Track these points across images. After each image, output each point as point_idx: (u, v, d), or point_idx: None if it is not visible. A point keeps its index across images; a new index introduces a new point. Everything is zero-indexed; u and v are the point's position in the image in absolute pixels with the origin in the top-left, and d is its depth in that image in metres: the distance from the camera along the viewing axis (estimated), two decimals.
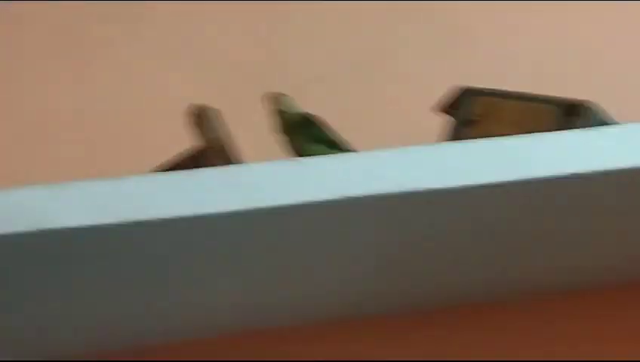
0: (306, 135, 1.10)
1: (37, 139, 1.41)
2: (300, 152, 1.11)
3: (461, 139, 1.14)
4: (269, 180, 0.97)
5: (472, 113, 1.14)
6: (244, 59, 1.47)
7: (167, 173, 0.99)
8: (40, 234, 0.93)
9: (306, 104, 1.18)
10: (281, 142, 1.14)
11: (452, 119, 1.16)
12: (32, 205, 0.94)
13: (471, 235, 1.11)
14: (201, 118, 1.09)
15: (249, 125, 1.35)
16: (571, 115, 1.11)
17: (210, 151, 1.08)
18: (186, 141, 1.14)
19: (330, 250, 1.09)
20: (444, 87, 1.23)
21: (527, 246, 1.15)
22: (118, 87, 1.45)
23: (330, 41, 1.49)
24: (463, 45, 1.49)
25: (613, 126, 0.98)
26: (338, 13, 1.51)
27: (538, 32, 1.50)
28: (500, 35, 1.51)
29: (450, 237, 1.11)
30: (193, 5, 1.50)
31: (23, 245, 0.95)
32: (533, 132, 1.11)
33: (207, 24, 1.49)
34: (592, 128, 0.97)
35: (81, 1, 1.48)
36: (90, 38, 1.47)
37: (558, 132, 0.99)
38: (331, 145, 1.10)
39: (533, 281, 1.31)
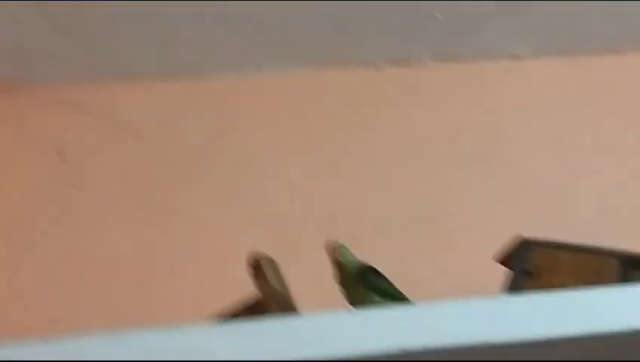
0: (364, 286, 1.10)
1: (97, 284, 1.42)
2: (358, 303, 1.10)
3: (520, 290, 1.12)
4: (327, 331, 0.96)
5: (530, 264, 1.13)
6: (304, 207, 1.49)
7: (225, 322, 1.00)
8: None
9: (364, 252, 1.19)
10: (340, 292, 1.14)
11: (511, 270, 1.15)
12: (90, 353, 0.94)
13: None
14: (260, 268, 1.10)
15: (308, 273, 1.35)
16: (633, 268, 1.09)
17: (268, 300, 1.08)
18: (246, 288, 1.15)
19: None
20: (504, 236, 1.23)
21: None
22: (178, 233, 1.47)
23: (391, 190, 1.50)
24: (523, 194, 1.49)
25: None
26: (398, 162, 1.53)
27: (600, 180, 1.51)
28: (561, 182, 1.51)
29: None
30: (256, 152, 1.52)
31: None
32: (593, 284, 1.09)
33: (268, 171, 1.51)
34: None
35: (142, 144, 1.51)
36: (152, 182, 1.50)
37: (621, 285, 0.97)
38: (389, 296, 1.10)
39: None
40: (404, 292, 1.11)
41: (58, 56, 1.49)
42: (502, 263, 1.17)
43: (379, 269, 1.11)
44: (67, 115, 1.52)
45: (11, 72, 1.51)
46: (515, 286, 1.13)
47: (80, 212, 1.47)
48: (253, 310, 1.08)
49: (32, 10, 1.42)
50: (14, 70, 1.51)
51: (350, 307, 1.10)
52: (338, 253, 1.10)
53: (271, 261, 1.12)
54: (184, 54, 1.53)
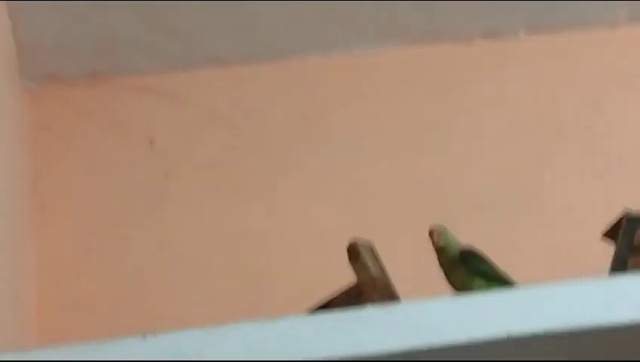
0: (466, 269, 1.07)
1: (191, 276, 1.41)
2: (461, 287, 1.07)
3: (628, 267, 1.09)
4: (429, 318, 0.94)
5: (638, 240, 1.10)
6: (400, 188, 1.46)
7: (324, 312, 0.98)
8: None
9: (463, 234, 1.16)
10: (441, 277, 1.12)
11: (617, 247, 1.11)
12: (189, 347, 0.93)
13: None
14: (356, 253, 1.08)
15: (407, 258, 1.34)
16: None
17: (367, 287, 1.06)
18: (344, 276, 1.13)
19: None
20: (607, 213, 1.20)
21: None
22: (273, 221, 1.45)
23: (489, 169, 1.47)
24: (623, 170, 1.45)
25: None
26: (493, 139, 1.49)
27: None
28: None
29: None
30: (348, 134, 1.50)
31: None
32: None
33: (361, 154, 1.49)
34: None
35: (232, 131, 1.51)
36: (244, 169, 1.48)
37: None
38: (493, 279, 1.07)
39: None
40: (507, 274, 1.08)
41: (144, 44, 1.48)
42: (608, 240, 1.13)
43: (480, 251, 1.09)
44: (155, 104, 1.51)
45: (99, 64, 1.50)
46: (623, 263, 1.10)
47: (172, 202, 1.46)
48: (352, 298, 1.07)
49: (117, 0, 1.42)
50: (101, 61, 1.50)
51: (453, 292, 1.08)
52: (439, 235, 1.08)
53: (369, 246, 1.10)
54: (269, 37, 1.51)
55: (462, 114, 1.51)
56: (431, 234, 1.09)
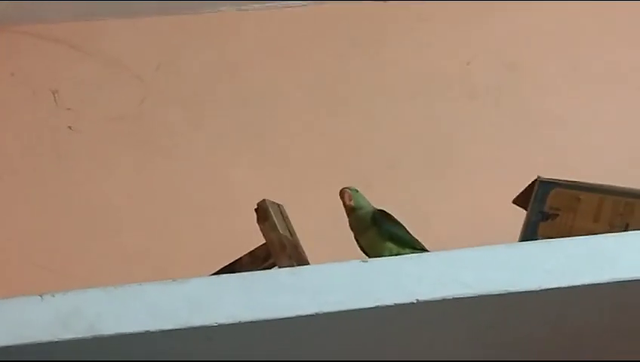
0: (378, 231, 1.05)
1: (93, 231, 1.38)
2: (372, 250, 1.06)
3: (539, 233, 1.09)
4: (337, 282, 0.93)
5: (549, 206, 1.10)
6: (312, 147, 1.44)
7: (230, 273, 0.96)
8: (95, 340, 0.89)
9: (375, 194, 1.15)
10: (352, 239, 1.11)
11: (529, 212, 1.11)
12: (88, 308, 0.90)
13: (548, 337, 1.06)
14: (265, 214, 1.06)
15: (318, 219, 1.33)
16: None
17: (275, 249, 1.04)
18: (251, 238, 1.12)
19: (401, 349, 1.04)
20: (519, 177, 1.20)
21: (606, 345, 1.10)
22: (180, 177, 1.42)
23: (401, 128, 1.46)
24: (540, 133, 1.45)
25: None
26: (408, 99, 1.48)
27: (620, 116, 1.46)
28: (579, 119, 1.47)
29: (527, 341, 1.06)
30: (260, 90, 1.48)
31: (78, 351, 0.91)
32: (614, 226, 1.06)
33: (273, 110, 1.47)
34: None
35: (140, 83, 1.47)
36: (151, 123, 1.45)
37: None
38: (404, 243, 1.05)
39: None
40: (417, 238, 1.07)
41: None
42: (519, 205, 1.13)
43: (392, 214, 1.07)
44: (60, 54, 1.47)
45: (3, 11, 1.46)
46: (534, 229, 1.10)
47: (75, 154, 1.43)
48: (259, 259, 1.05)
49: None
50: (6, 9, 1.45)
51: (363, 254, 1.06)
52: (350, 196, 1.06)
53: (278, 207, 1.08)
54: None
55: (376, 72, 1.50)
56: (342, 194, 1.07)
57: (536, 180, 1.12)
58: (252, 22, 1.51)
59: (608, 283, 0.93)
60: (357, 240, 1.08)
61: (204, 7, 1.50)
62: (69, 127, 1.44)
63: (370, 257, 1.05)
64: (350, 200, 1.06)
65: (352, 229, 1.08)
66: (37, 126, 1.44)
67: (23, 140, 1.43)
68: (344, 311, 0.92)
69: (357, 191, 1.07)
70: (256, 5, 1.51)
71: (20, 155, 1.42)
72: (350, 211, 1.07)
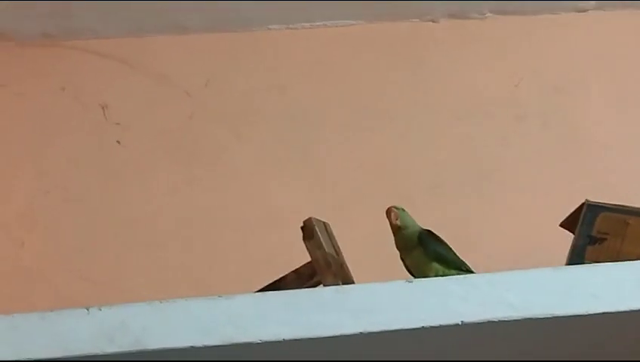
0: (424, 252, 1.05)
1: (139, 246, 1.38)
2: (417, 270, 1.06)
3: (586, 257, 1.08)
4: (382, 302, 0.92)
5: (597, 230, 1.09)
6: (359, 166, 1.44)
7: (275, 291, 0.96)
8: (140, 354, 0.90)
9: (419, 215, 1.15)
10: (398, 258, 1.10)
11: (577, 236, 1.10)
12: (133, 322, 0.90)
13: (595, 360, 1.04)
14: (311, 232, 1.05)
15: (364, 239, 1.32)
16: None
17: (320, 267, 1.04)
18: (297, 255, 1.11)
19: None
20: (567, 201, 1.19)
21: None
22: (226, 193, 1.42)
23: (448, 149, 1.45)
24: (588, 156, 1.44)
25: None
26: (453, 119, 1.47)
27: None
28: (627, 143, 1.45)
29: None
30: (308, 109, 1.47)
31: None
32: None
33: (320, 129, 1.46)
34: None
35: (187, 100, 1.47)
36: (198, 139, 1.46)
37: None
38: (450, 264, 1.05)
39: None
40: (463, 259, 1.07)
41: (100, 7, 1.44)
42: (566, 228, 1.12)
43: (437, 234, 1.07)
44: (110, 69, 1.48)
45: (55, 27, 1.47)
46: (581, 253, 1.09)
47: (123, 169, 1.43)
48: (304, 277, 1.05)
49: None
50: (58, 25, 1.46)
51: (409, 275, 1.06)
52: (397, 215, 1.06)
53: (324, 225, 1.07)
54: (231, 6, 1.48)
55: (422, 92, 1.49)
56: (388, 213, 1.06)
57: (584, 204, 1.11)
58: (300, 40, 1.51)
59: None
60: (402, 260, 1.07)
61: (254, 25, 1.50)
62: (118, 142, 1.44)
63: (415, 277, 1.05)
64: (397, 219, 1.06)
65: (397, 248, 1.07)
66: (86, 140, 1.44)
67: (72, 154, 1.43)
68: (389, 331, 0.91)
69: (404, 210, 1.07)
70: (306, 24, 1.51)
71: (69, 169, 1.43)
72: (396, 230, 1.06)
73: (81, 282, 1.35)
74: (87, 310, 0.90)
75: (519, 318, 0.92)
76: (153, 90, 1.47)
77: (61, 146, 1.44)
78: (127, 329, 0.89)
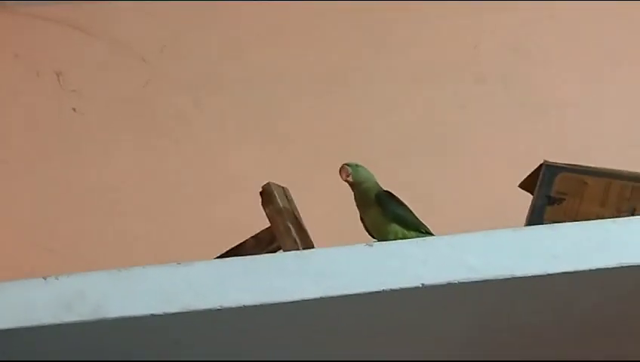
0: (382, 212, 1.04)
1: (97, 214, 1.37)
2: (376, 230, 1.05)
3: (545, 218, 1.09)
4: (343, 266, 0.92)
5: (556, 190, 1.10)
6: (317, 131, 1.44)
7: (234, 257, 0.96)
8: (99, 323, 0.89)
9: (379, 179, 1.15)
10: (358, 222, 1.10)
11: (535, 196, 1.11)
12: (93, 292, 0.90)
13: (554, 323, 1.05)
14: (270, 197, 1.05)
15: (322, 201, 1.32)
16: None
17: (279, 232, 1.03)
18: (256, 221, 1.11)
19: (406, 333, 1.04)
20: (525, 162, 1.19)
21: (612, 331, 1.09)
22: (184, 160, 1.42)
23: (405, 112, 1.45)
24: (547, 117, 1.45)
25: None
26: (412, 82, 1.47)
27: (628, 100, 1.45)
28: (586, 103, 1.46)
29: (533, 327, 1.05)
30: (264, 73, 1.47)
31: (82, 334, 0.90)
32: (621, 211, 1.05)
33: (277, 94, 1.46)
34: None
35: (144, 66, 1.46)
36: (156, 105, 1.45)
37: None
38: (409, 225, 1.04)
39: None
40: (423, 222, 1.07)
41: None
42: (525, 189, 1.13)
43: (397, 196, 1.07)
44: (65, 36, 1.46)
45: None
46: (540, 213, 1.09)
47: (79, 137, 1.42)
48: (264, 243, 1.04)
49: None
50: None
51: (369, 238, 1.06)
52: (347, 173, 1.05)
53: (283, 189, 1.07)
54: None
55: (381, 56, 1.49)
56: (340, 171, 1.06)
57: (542, 164, 1.11)
58: (257, 5, 1.50)
59: (615, 268, 0.93)
60: (362, 220, 1.07)
61: None
62: (73, 109, 1.43)
63: (373, 237, 1.06)
64: (347, 175, 1.05)
65: (357, 206, 1.07)
66: (41, 108, 1.43)
67: (27, 122, 1.42)
68: (349, 295, 0.91)
69: (357, 165, 1.06)
70: None
71: (24, 138, 1.42)
72: (352, 186, 1.06)
73: (40, 251, 1.34)
74: (45, 279, 0.89)
75: (479, 280, 0.92)
76: (108, 56, 1.46)
77: (16, 114, 1.43)
78: (85, 298, 0.89)
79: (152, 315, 0.89)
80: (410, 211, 1.07)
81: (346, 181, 1.06)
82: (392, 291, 0.91)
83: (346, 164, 1.07)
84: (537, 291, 0.96)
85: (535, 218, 1.09)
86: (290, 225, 1.03)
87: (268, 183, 1.05)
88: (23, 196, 1.39)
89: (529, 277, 0.92)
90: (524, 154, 1.36)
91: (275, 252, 1.04)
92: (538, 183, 1.11)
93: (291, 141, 1.43)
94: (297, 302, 0.90)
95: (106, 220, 1.37)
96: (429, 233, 1.05)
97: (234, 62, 1.47)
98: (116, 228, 1.36)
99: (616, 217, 0.98)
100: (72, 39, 1.46)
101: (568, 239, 0.94)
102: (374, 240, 1.05)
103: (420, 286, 0.92)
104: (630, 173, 1.08)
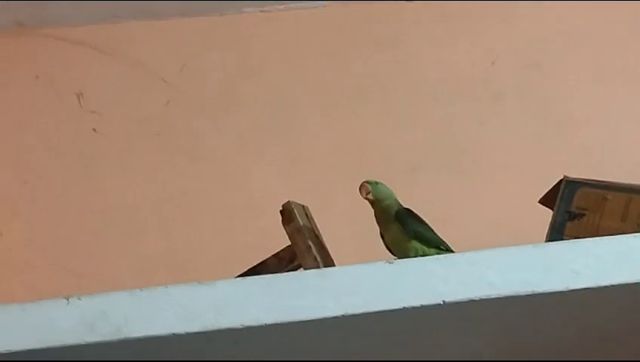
0: (402, 229, 1.05)
1: (118, 234, 1.38)
2: (396, 247, 1.05)
3: (565, 233, 1.08)
4: (364, 284, 0.92)
5: (576, 206, 1.09)
6: (336, 149, 1.44)
7: (255, 276, 0.95)
8: (121, 343, 0.89)
9: (400, 193, 1.15)
10: (378, 239, 1.10)
11: (555, 212, 1.11)
12: (114, 313, 0.90)
13: (575, 338, 1.05)
14: (290, 216, 1.05)
15: (342, 218, 1.33)
16: None
17: (300, 251, 1.03)
18: (277, 240, 1.11)
19: (427, 350, 1.03)
20: (544, 178, 1.19)
21: (634, 346, 1.09)
22: (204, 180, 1.42)
23: (424, 129, 1.45)
24: (566, 132, 1.45)
25: None
26: (430, 99, 1.47)
27: None
28: (605, 119, 1.46)
29: (553, 342, 1.05)
30: (284, 92, 1.47)
31: (104, 354, 0.91)
32: None
33: (296, 112, 1.46)
34: None
35: (163, 86, 1.47)
36: (175, 125, 1.45)
37: None
38: (429, 243, 1.05)
39: None
40: (442, 238, 1.07)
41: None
42: (545, 205, 1.12)
43: (416, 213, 1.07)
44: (84, 57, 1.47)
45: (28, 16, 1.46)
46: (560, 229, 1.09)
47: (100, 157, 1.43)
48: (284, 262, 1.04)
49: None
50: (31, 13, 1.46)
51: (389, 256, 1.06)
52: (367, 190, 1.05)
53: (303, 207, 1.07)
54: None
55: (399, 72, 1.49)
56: (360, 188, 1.06)
57: (562, 180, 1.11)
58: (275, 23, 1.51)
59: (637, 284, 0.92)
60: (382, 237, 1.07)
61: (227, 8, 1.50)
62: (94, 130, 1.44)
63: (394, 254, 1.06)
64: (367, 193, 1.06)
65: (377, 223, 1.07)
66: (61, 129, 1.44)
67: (48, 143, 1.43)
68: (370, 313, 0.91)
69: (377, 183, 1.07)
70: (279, 6, 1.51)
71: (45, 158, 1.42)
72: (372, 204, 1.06)
73: (61, 272, 1.34)
74: (67, 300, 0.90)
75: (500, 296, 0.92)
76: (128, 76, 1.47)
77: (37, 135, 1.43)
78: (107, 319, 0.89)
79: (174, 334, 0.89)
80: (430, 228, 1.07)
81: (366, 198, 1.06)
82: (413, 308, 0.91)
83: (365, 182, 1.07)
84: (558, 307, 0.96)
85: (555, 234, 1.09)
86: (311, 243, 1.03)
87: (288, 202, 1.05)
88: (44, 217, 1.39)
89: (550, 293, 0.92)
90: (544, 170, 1.35)
91: (295, 270, 1.04)
92: (558, 199, 1.10)
93: (311, 159, 1.43)
94: (318, 320, 0.91)
95: (126, 240, 1.37)
96: (449, 250, 1.05)
97: (253, 80, 1.47)
98: (137, 248, 1.36)
99: (637, 232, 0.97)
100: (92, 60, 1.47)
101: (589, 255, 0.94)
102: (394, 257, 1.05)
103: (441, 303, 0.92)
104: None
